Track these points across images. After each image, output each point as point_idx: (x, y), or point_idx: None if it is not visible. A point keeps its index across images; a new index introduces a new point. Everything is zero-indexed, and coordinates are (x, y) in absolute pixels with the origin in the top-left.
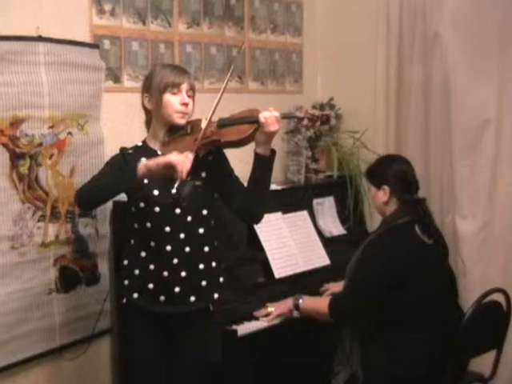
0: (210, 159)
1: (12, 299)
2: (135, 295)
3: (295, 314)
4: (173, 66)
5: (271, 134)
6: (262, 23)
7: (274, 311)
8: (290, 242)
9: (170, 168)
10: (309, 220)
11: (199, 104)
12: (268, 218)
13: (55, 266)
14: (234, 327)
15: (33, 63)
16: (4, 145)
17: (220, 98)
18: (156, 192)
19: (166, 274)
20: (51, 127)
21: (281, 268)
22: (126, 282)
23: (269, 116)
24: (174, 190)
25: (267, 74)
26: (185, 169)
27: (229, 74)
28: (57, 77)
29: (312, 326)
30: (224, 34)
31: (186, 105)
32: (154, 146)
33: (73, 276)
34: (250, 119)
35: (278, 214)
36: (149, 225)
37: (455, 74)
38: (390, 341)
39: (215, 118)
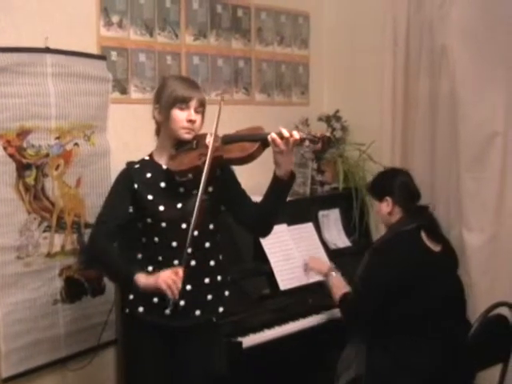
0: (219, 174)
1: (17, 309)
2: (140, 309)
3: (323, 278)
4: (185, 79)
5: (281, 154)
6: (269, 35)
7: (310, 264)
8: (295, 254)
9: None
10: (314, 232)
11: (206, 115)
12: (273, 229)
13: (61, 277)
14: (239, 339)
15: (40, 74)
16: (11, 155)
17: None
18: (162, 208)
19: None
20: (58, 138)
21: (286, 280)
22: (131, 296)
23: (279, 135)
24: (167, 310)
25: (274, 86)
26: (175, 291)
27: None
28: (64, 88)
29: (318, 337)
30: (231, 45)
31: (192, 122)
32: (160, 159)
33: (78, 286)
34: (254, 137)
35: (284, 226)
36: (156, 239)
37: (462, 86)
38: (393, 346)
39: (220, 133)
